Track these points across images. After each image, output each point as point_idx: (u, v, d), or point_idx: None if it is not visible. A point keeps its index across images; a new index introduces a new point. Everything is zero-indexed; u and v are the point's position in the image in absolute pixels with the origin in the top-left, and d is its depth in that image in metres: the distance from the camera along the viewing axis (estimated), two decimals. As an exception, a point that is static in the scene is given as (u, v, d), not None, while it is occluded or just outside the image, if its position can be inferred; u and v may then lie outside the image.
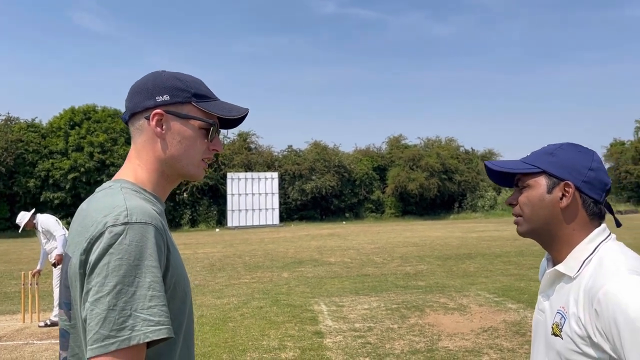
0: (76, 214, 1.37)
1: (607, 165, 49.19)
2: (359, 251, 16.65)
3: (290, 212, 41.58)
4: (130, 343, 1.11)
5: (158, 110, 1.35)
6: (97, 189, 1.40)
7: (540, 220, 1.47)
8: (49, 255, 8.03)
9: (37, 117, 41.13)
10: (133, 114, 1.38)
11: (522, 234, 1.53)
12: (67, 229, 7.86)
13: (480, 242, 18.58)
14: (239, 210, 37.15)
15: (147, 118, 1.36)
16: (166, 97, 1.36)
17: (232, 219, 36.81)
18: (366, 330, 6.66)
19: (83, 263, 1.19)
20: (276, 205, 38.05)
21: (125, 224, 1.18)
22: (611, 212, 1.62)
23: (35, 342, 6.78)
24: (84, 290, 1.18)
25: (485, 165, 1.58)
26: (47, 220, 7.91)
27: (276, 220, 37.69)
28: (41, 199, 36.66)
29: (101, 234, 1.17)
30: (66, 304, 1.28)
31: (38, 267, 8.41)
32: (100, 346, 1.10)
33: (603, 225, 1.46)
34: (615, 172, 47.21)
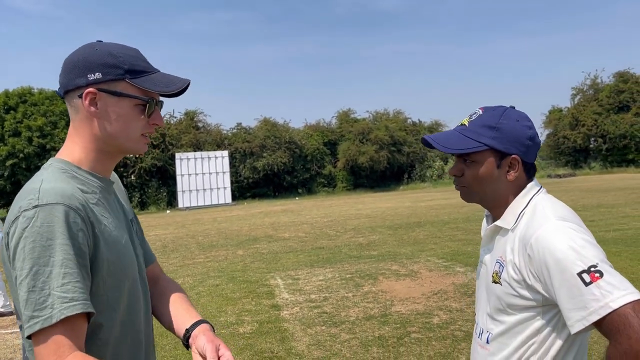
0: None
1: (546, 132, 50.97)
2: (312, 225, 16.82)
3: (243, 190, 41.33)
4: (52, 321, 1.15)
5: (90, 89, 1.32)
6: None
7: (489, 192, 1.57)
8: None
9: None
10: (66, 91, 1.36)
11: (469, 201, 1.63)
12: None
13: (429, 210, 19.07)
14: (190, 191, 36.58)
15: (80, 96, 1.33)
16: (98, 75, 1.32)
17: (183, 200, 36.25)
18: (322, 301, 6.81)
19: (7, 245, 1.24)
20: (228, 184, 37.67)
21: (35, 207, 1.21)
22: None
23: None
24: (13, 276, 1.23)
25: (425, 140, 1.64)
26: None
27: (228, 199, 37.36)
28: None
29: (16, 218, 1.21)
30: (8, 281, 1.33)
31: None
32: (28, 327, 1.16)
33: (534, 181, 1.57)
34: (554, 138, 48.90)
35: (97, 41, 1.41)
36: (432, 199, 25.08)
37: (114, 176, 1.58)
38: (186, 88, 1.42)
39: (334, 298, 6.90)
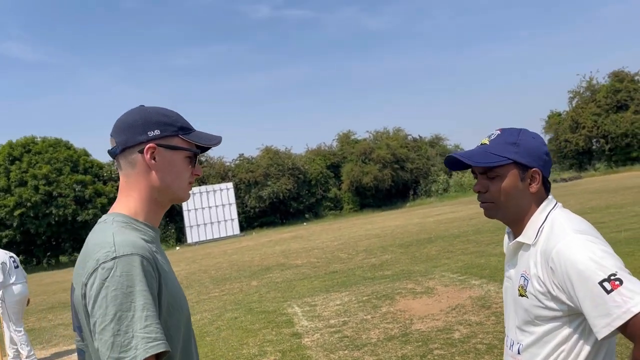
0: (84, 246, 1.47)
1: (547, 137, 50.94)
2: (323, 250, 16.82)
3: (250, 220, 41.35)
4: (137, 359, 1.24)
5: (151, 144, 1.46)
6: (100, 220, 1.51)
7: (513, 205, 1.66)
8: None
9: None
10: (125, 148, 1.47)
11: (492, 217, 1.72)
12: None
13: (438, 225, 19.03)
14: (198, 225, 36.65)
15: (141, 152, 1.46)
16: (157, 132, 1.48)
17: (192, 235, 36.30)
18: (341, 325, 6.83)
19: (84, 295, 1.32)
20: (235, 215, 37.73)
21: (114, 258, 1.30)
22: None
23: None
24: (91, 323, 1.30)
25: (451, 157, 1.73)
26: None
27: (237, 231, 37.37)
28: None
29: (95, 270, 1.30)
30: (77, 327, 1.40)
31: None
32: None
33: (550, 197, 1.67)
34: (556, 142, 48.78)
35: (141, 105, 1.56)
36: (440, 214, 25.04)
37: None
38: (219, 143, 1.60)
39: (353, 321, 6.92)
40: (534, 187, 1.63)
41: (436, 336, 5.72)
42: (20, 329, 7.48)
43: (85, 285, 1.31)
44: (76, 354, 1.45)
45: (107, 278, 1.28)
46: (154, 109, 1.54)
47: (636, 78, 47.47)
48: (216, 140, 1.58)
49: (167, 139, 1.49)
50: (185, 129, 1.54)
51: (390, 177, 42.58)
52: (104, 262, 1.30)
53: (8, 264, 7.65)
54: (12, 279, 7.48)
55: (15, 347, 7.46)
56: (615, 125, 45.05)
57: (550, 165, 1.68)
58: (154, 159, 1.47)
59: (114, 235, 1.37)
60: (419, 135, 49.67)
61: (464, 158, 1.68)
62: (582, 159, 47.93)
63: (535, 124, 53.77)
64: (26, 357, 7.40)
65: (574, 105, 49.73)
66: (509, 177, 1.63)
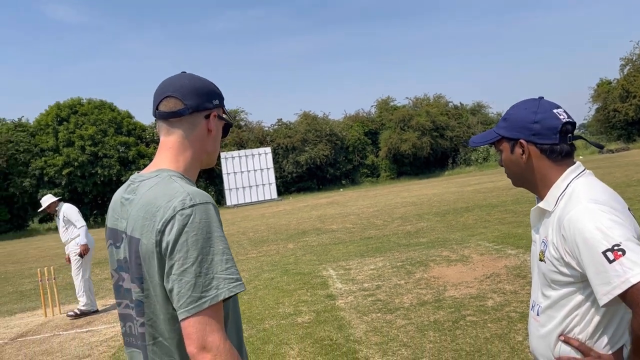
0: (121, 200, 1.53)
1: (595, 106, 49.04)
2: (359, 216, 16.87)
3: (287, 185, 41.75)
4: (219, 299, 1.32)
5: (215, 112, 1.55)
6: (135, 178, 1.54)
7: (516, 174, 1.73)
8: (66, 247, 8.08)
9: (23, 116, 40.83)
10: (194, 111, 1.52)
11: (516, 186, 1.79)
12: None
13: (476, 194, 18.81)
14: (237, 189, 37.20)
15: (207, 117, 1.54)
16: (216, 102, 1.55)
17: (231, 198, 36.91)
18: (375, 289, 6.92)
19: (158, 242, 1.36)
20: (272, 179, 38.07)
21: (192, 206, 1.36)
22: (596, 145, 1.86)
23: (61, 332, 6.98)
24: (166, 268, 1.36)
25: (470, 143, 1.82)
26: (70, 210, 7.93)
27: (274, 195, 37.77)
28: (38, 197, 36.58)
29: (172, 217, 1.34)
30: (137, 279, 1.43)
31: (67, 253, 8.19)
32: (195, 306, 1.30)
33: (577, 164, 1.66)
34: (604, 112, 47.00)
35: (186, 72, 1.60)
36: (479, 183, 24.70)
37: None
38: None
39: (386, 286, 7.00)
40: (524, 158, 1.65)
41: (469, 303, 5.74)
42: (88, 276, 7.94)
43: (162, 232, 1.35)
44: (133, 305, 1.48)
45: (186, 224, 1.33)
46: (201, 78, 1.59)
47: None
48: (232, 120, 1.66)
49: (219, 109, 1.57)
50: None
51: (429, 145, 42.07)
52: (181, 210, 1.35)
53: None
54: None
55: (84, 295, 7.86)
56: (668, 96, 43.07)
57: (550, 131, 1.62)
58: (211, 127, 1.55)
59: (182, 186, 1.41)
60: (460, 103, 48.76)
61: (474, 142, 1.80)
62: (631, 130, 46.03)
63: (584, 93, 51.95)
64: (82, 306, 7.79)
65: (625, 73, 47.50)
66: (504, 152, 1.71)
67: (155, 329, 1.44)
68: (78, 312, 7.75)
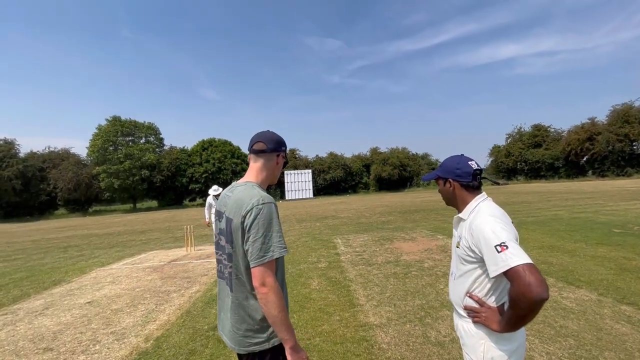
0: (225, 196, 1.47)
1: (489, 160, 47.70)
2: (356, 210, 16.58)
3: (318, 190, 41.55)
4: (274, 256, 1.29)
5: (282, 154, 1.50)
6: (234, 184, 1.49)
7: (447, 198, 1.63)
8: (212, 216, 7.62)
9: (185, 145, 41.92)
10: (272, 150, 1.47)
11: (447, 205, 1.68)
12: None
13: (422, 203, 18.32)
14: (292, 191, 37.22)
15: (278, 156, 1.49)
16: (284, 148, 1.51)
17: (288, 195, 36.99)
18: (362, 252, 6.72)
19: (242, 222, 1.33)
20: (310, 187, 37.94)
21: (263, 203, 1.33)
22: (494, 182, 1.77)
23: (193, 261, 6.97)
24: (245, 237, 1.32)
25: (422, 179, 1.73)
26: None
27: (311, 195, 37.69)
28: (189, 188, 37.42)
29: (251, 209, 1.33)
30: (230, 241, 1.40)
31: (207, 220, 7.57)
32: (260, 260, 1.28)
33: (483, 193, 1.57)
34: (495, 163, 46.01)
35: (270, 130, 1.53)
36: (424, 197, 24.10)
37: None
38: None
39: (368, 251, 6.80)
40: (451, 189, 1.56)
41: (414, 264, 5.54)
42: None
43: (244, 217, 1.32)
44: (226, 255, 1.45)
45: (259, 214, 1.31)
46: (278, 135, 1.53)
47: (549, 128, 43.62)
48: (288, 158, 1.61)
49: (283, 152, 1.53)
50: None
51: (397, 174, 41.51)
52: (257, 205, 1.32)
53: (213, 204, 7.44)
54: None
55: None
56: (532, 156, 41.71)
57: (465, 174, 1.52)
58: (278, 162, 1.51)
59: (259, 192, 1.38)
60: (415, 152, 47.99)
61: (424, 177, 1.71)
62: (511, 173, 44.72)
63: (484, 152, 50.56)
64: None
65: (508, 142, 46.39)
66: (440, 184, 1.62)
67: (238, 270, 1.40)
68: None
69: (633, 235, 6.49)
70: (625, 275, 4.28)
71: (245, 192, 1.41)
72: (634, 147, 36.22)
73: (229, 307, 1.41)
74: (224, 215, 1.46)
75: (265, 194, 1.40)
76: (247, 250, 1.33)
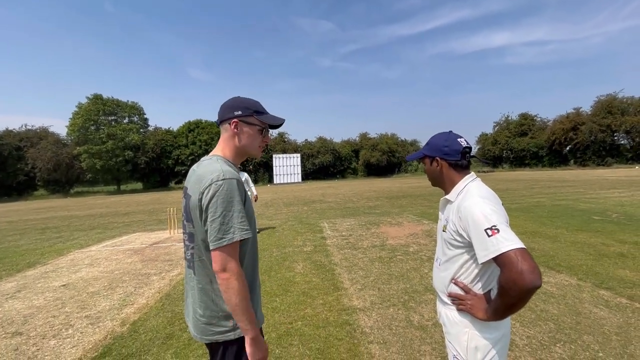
0: (191, 171, 1.38)
1: (477, 147, 48.40)
2: (344, 195, 16.58)
3: (307, 175, 41.48)
4: (233, 240, 1.18)
5: (235, 120, 1.35)
6: (202, 159, 1.40)
7: (433, 179, 1.52)
8: None
9: (170, 127, 40.93)
10: (222, 120, 1.36)
11: (434, 186, 1.58)
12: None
13: (409, 188, 18.47)
14: (280, 175, 37.04)
15: (230, 124, 1.35)
16: (239, 112, 1.35)
17: (276, 179, 36.82)
18: (348, 236, 6.70)
19: (199, 200, 1.23)
20: (299, 171, 37.81)
21: (223, 179, 1.22)
22: (484, 162, 1.66)
23: (176, 244, 6.86)
24: (203, 217, 1.23)
25: (406, 158, 1.63)
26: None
27: (299, 180, 37.63)
28: (175, 170, 36.80)
29: (210, 185, 1.22)
30: (189, 220, 1.31)
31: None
32: (218, 242, 1.18)
33: (472, 173, 1.48)
34: (482, 150, 46.73)
35: (237, 96, 1.41)
36: (411, 183, 24.34)
37: (243, 173, 1.57)
38: (282, 124, 1.42)
39: (355, 235, 6.79)
40: (438, 169, 1.45)
41: (399, 248, 5.55)
42: None
43: (202, 193, 1.23)
44: (187, 235, 1.37)
45: (217, 190, 1.21)
46: (242, 98, 1.39)
47: (535, 117, 44.27)
48: (280, 121, 1.41)
49: (245, 117, 1.36)
50: (259, 112, 1.38)
51: (385, 160, 41.75)
52: (216, 181, 1.22)
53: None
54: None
55: None
56: (517, 144, 42.44)
57: (455, 153, 1.42)
58: (236, 128, 1.36)
59: (221, 166, 1.27)
60: (404, 138, 48.16)
61: (409, 157, 1.58)
62: (496, 161, 45.55)
63: (472, 139, 51.31)
64: None
65: (495, 130, 47.07)
66: (426, 164, 1.51)
67: (200, 252, 1.30)
68: None
69: (611, 223, 6.67)
70: (603, 261, 4.38)
71: (208, 166, 1.30)
72: (615, 138, 37.26)
73: (192, 291, 1.32)
74: (186, 193, 1.36)
75: (228, 168, 1.28)
76: (206, 232, 1.24)
